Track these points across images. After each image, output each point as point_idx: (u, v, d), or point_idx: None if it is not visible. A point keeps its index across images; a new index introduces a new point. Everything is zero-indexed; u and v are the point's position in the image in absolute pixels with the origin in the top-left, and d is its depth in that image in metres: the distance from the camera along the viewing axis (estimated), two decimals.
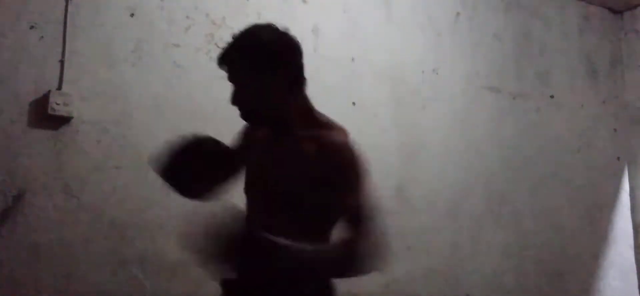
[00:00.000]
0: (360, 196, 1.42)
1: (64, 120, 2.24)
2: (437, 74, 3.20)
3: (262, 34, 1.53)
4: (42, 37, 2.25)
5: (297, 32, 2.95)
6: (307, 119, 1.53)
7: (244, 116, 1.57)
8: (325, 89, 2.80)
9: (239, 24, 2.64)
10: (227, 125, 2.58)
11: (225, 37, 2.60)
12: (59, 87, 2.24)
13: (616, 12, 4.04)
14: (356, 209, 1.41)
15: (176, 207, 2.40)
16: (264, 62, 1.49)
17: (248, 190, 1.63)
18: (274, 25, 1.55)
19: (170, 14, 2.50)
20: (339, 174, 1.42)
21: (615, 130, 3.88)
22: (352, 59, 2.92)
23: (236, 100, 1.54)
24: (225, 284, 1.53)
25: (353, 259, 1.37)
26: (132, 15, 2.43)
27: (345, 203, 1.41)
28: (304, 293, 1.43)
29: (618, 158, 3.86)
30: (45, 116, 2.20)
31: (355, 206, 1.41)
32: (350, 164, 1.44)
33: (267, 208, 1.50)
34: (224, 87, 2.57)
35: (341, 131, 1.51)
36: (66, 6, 2.30)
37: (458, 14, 3.34)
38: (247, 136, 1.76)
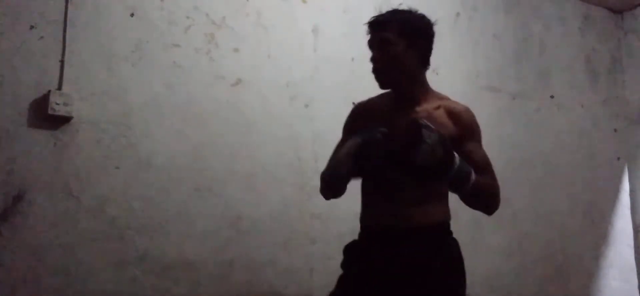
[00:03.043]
0: (483, 150, 1.70)
1: (64, 120, 2.24)
2: (437, 74, 3.19)
3: (412, 12, 1.77)
4: (42, 37, 2.25)
5: (297, 32, 2.98)
6: (428, 93, 1.76)
7: (383, 80, 1.73)
8: (325, 89, 2.81)
9: (239, 24, 2.67)
10: (227, 125, 2.59)
11: (225, 37, 2.61)
12: (59, 87, 2.24)
13: (616, 12, 4.04)
14: (483, 159, 1.69)
15: (176, 207, 2.41)
16: (411, 36, 1.70)
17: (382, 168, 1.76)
18: (415, 10, 1.79)
19: (170, 14, 2.50)
20: (469, 130, 1.71)
21: (615, 130, 3.88)
22: (352, 59, 2.92)
23: (374, 60, 1.73)
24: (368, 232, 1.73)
25: (487, 189, 1.62)
26: (132, 15, 2.43)
27: (477, 153, 1.68)
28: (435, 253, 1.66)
29: (618, 158, 3.86)
30: (45, 116, 2.20)
31: (483, 156, 1.69)
32: (475, 122, 1.74)
33: (399, 175, 1.63)
34: (224, 87, 2.59)
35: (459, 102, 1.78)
36: (66, 6, 2.30)
37: (458, 14, 3.34)
38: (361, 113, 1.86)
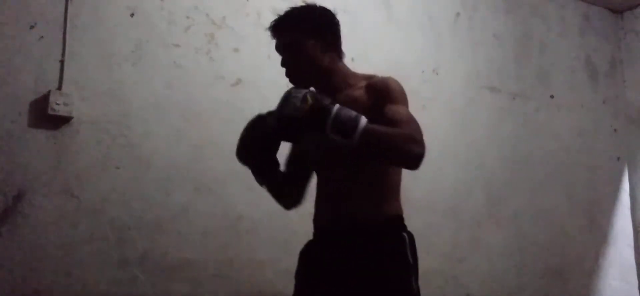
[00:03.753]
0: (407, 110, 1.62)
1: (64, 120, 2.24)
2: (437, 74, 3.20)
3: (307, 6, 1.75)
4: (42, 37, 2.25)
5: None
6: (350, 78, 1.72)
7: (297, 84, 1.69)
8: None
9: (239, 24, 2.67)
10: (226, 125, 2.59)
11: (225, 37, 2.61)
12: (59, 87, 2.24)
13: (616, 12, 4.04)
14: (397, 114, 1.57)
15: (176, 207, 2.41)
16: (311, 31, 1.68)
17: (313, 157, 1.78)
18: (311, 3, 1.77)
19: (170, 14, 2.50)
20: (382, 94, 1.62)
21: (615, 130, 3.88)
22: (352, 59, 2.88)
23: (284, 63, 1.72)
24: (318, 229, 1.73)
25: (387, 135, 1.50)
26: (132, 15, 2.43)
27: (391, 111, 1.57)
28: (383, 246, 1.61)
29: (618, 158, 3.86)
30: (45, 116, 2.20)
31: (397, 112, 1.58)
32: (390, 85, 1.65)
33: (336, 166, 1.67)
34: (224, 87, 2.59)
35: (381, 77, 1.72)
36: (66, 6, 2.30)
37: (458, 14, 3.34)
38: None
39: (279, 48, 1.73)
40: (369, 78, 1.70)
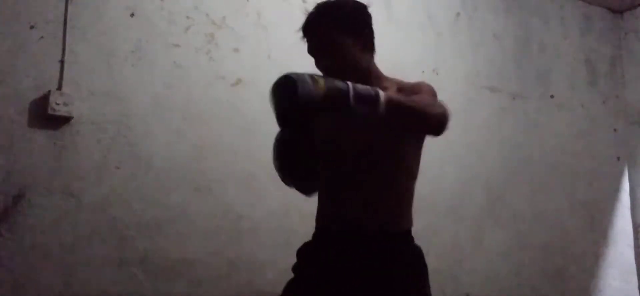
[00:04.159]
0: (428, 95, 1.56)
1: (64, 120, 2.24)
2: (437, 74, 3.20)
3: (340, 2, 1.63)
4: (42, 37, 2.25)
5: (297, 32, 2.95)
6: (383, 81, 1.63)
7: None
8: None
9: (239, 24, 2.67)
10: (226, 125, 2.59)
11: (225, 37, 2.61)
12: (59, 87, 2.24)
13: (616, 12, 4.04)
14: (420, 90, 1.56)
15: (176, 207, 2.41)
16: (348, 28, 1.59)
17: (327, 149, 1.67)
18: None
19: (170, 14, 2.50)
20: (410, 89, 1.58)
21: (615, 130, 3.88)
22: None
23: (320, 66, 1.61)
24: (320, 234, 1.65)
25: (410, 103, 1.47)
26: (132, 15, 2.43)
27: (420, 94, 1.53)
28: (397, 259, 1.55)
29: (618, 158, 3.86)
30: (45, 116, 2.20)
31: (421, 91, 1.55)
32: (418, 83, 1.62)
33: (354, 164, 1.59)
34: (224, 87, 2.59)
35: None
36: (66, 6, 2.30)
37: (458, 14, 3.34)
38: None
39: (313, 50, 1.61)
40: (400, 82, 1.65)
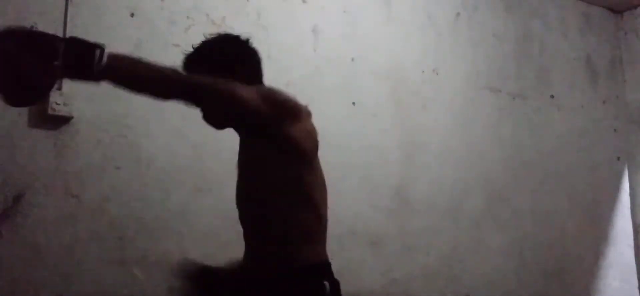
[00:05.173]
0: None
1: (64, 120, 2.24)
2: (437, 74, 3.20)
3: (214, 44, 1.65)
4: None
5: (297, 32, 2.98)
6: None
7: (211, 123, 1.68)
8: (325, 89, 2.80)
9: (239, 24, 2.66)
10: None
11: None
12: (59, 87, 2.24)
13: (616, 12, 4.04)
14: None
15: (176, 207, 2.41)
16: (222, 67, 1.57)
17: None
18: (232, 34, 1.69)
19: (170, 14, 2.50)
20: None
21: (615, 130, 3.88)
22: (352, 59, 2.92)
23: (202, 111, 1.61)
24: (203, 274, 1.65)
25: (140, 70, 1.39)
26: (132, 15, 2.43)
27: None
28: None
29: (618, 158, 3.86)
30: (45, 116, 2.20)
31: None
32: (272, 91, 1.57)
33: (248, 208, 1.62)
34: None
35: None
36: (66, 6, 2.29)
37: (458, 14, 3.34)
38: None
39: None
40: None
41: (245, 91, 1.46)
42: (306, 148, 1.55)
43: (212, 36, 1.68)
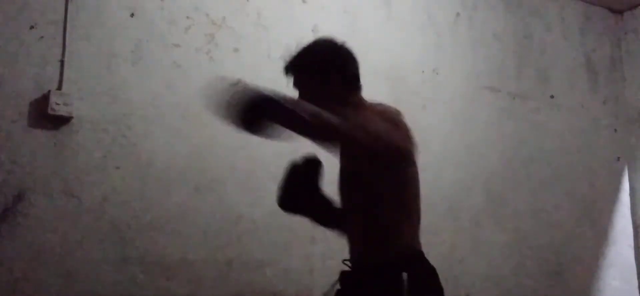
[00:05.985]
0: (390, 133, 1.58)
1: (64, 120, 2.24)
2: (437, 74, 3.20)
3: (318, 45, 1.73)
4: (42, 37, 2.25)
5: (297, 32, 2.97)
6: (361, 108, 1.68)
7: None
8: None
9: (239, 24, 2.67)
10: (226, 126, 2.59)
11: (225, 37, 2.61)
12: (59, 87, 2.24)
13: (616, 12, 4.04)
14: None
15: (176, 207, 2.41)
16: (319, 71, 1.67)
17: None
18: (330, 38, 1.74)
19: (170, 14, 2.50)
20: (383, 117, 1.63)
21: (615, 130, 3.88)
22: None
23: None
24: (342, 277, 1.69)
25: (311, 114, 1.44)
26: (132, 15, 2.43)
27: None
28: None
29: (618, 158, 3.86)
30: (45, 116, 2.20)
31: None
32: (393, 112, 1.68)
33: (342, 198, 1.69)
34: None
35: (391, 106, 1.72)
36: (66, 6, 2.30)
37: (458, 14, 3.34)
38: None
39: (295, 87, 1.71)
40: (375, 108, 1.71)
41: (396, 135, 1.59)
42: (411, 150, 1.68)
43: (309, 42, 1.72)
